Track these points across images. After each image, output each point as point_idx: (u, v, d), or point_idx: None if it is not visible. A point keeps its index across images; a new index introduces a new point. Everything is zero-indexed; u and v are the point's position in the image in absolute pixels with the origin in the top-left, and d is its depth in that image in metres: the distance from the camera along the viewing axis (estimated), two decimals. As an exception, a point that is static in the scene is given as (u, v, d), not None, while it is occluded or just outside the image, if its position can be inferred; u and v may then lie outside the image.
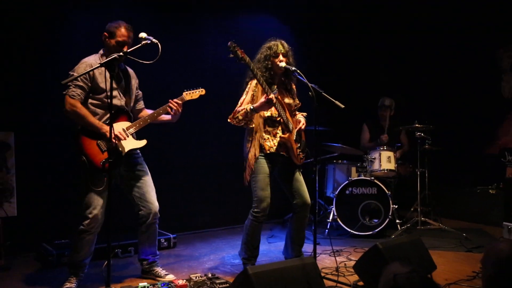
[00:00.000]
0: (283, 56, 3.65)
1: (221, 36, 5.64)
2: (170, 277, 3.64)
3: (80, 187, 3.39)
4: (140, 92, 3.80)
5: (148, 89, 4.52)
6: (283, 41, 3.72)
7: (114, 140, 3.32)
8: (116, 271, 3.86)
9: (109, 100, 3.30)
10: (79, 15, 4.63)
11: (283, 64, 3.61)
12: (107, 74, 3.34)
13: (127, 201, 3.68)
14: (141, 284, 3.27)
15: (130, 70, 3.68)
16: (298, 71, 3.54)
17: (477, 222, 5.96)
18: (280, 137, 3.69)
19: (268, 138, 3.70)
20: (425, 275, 1.83)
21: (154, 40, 3.27)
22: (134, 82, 3.70)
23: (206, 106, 5.41)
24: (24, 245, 4.28)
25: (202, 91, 3.79)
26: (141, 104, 3.82)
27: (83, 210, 3.36)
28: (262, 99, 3.47)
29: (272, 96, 3.44)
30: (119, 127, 3.42)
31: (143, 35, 3.28)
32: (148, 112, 3.77)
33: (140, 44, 3.24)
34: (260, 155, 3.66)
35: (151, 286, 3.28)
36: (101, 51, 3.45)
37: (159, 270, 3.70)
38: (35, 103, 4.41)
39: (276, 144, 3.70)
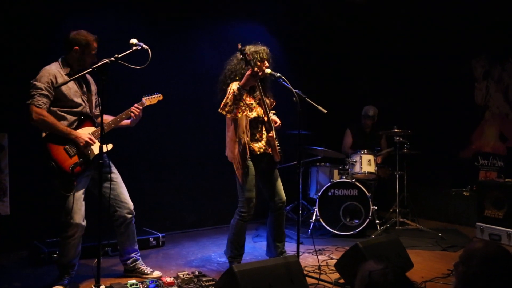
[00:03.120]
0: (268, 62, 3.77)
1: (210, 43, 5.74)
2: (157, 273, 3.68)
3: (56, 194, 3.39)
4: (98, 98, 3.77)
5: (139, 93, 4.61)
6: (266, 48, 3.83)
7: (86, 147, 3.35)
8: (106, 269, 3.90)
9: (74, 109, 3.42)
10: (72, 20, 4.62)
11: (268, 70, 3.69)
12: (71, 83, 3.39)
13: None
14: (130, 282, 3.32)
15: (89, 77, 3.68)
16: (283, 77, 3.59)
17: (452, 223, 6.10)
18: (268, 136, 3.77)
19: (256, 139, 3.78)
20: (398, 270, 1.88)
21: (144, 46, 3.32)
22: (94, 88, 3.71)
23: (193, 108, 5.49)
24: (17, 243, 4.32)
25: (159, 96, 3.85)
26: (97, 110, 3.77)
27: (64, 216, 3.37)
28: (248, 72, 3.52)
29: (256, 69, 3.52)
30: (85, 132, 3.44)
31: (133, 41, 3.33)
32: (108, 116, 3.74)
33: (131, 50, 3.28)
34: (248, 158, 3.73)
35: (140, 283, 3.33)
36: (60, 59, 3.47)
37: (144, 268, 3.73)
38: (29, 106, 4.45)
39: (264, 145, 3.80)
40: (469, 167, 6.23)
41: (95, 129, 3.54)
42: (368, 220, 5.20)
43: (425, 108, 6.66)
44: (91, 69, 3.15)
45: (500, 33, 5.85)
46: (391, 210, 5.76)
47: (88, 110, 3.55)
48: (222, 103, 3.65)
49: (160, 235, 4.83)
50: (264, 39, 4.02)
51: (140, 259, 3.79)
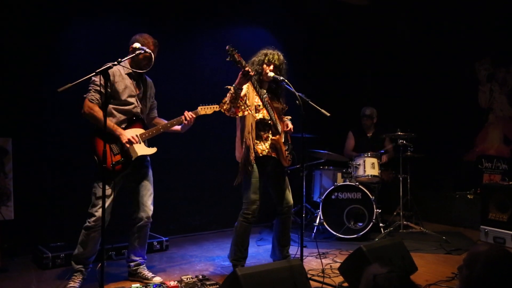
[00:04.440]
0: (275, 67, 3.78)
1: (215, 47, 5.75)
2: (157, 279, 3.67)
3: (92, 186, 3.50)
4: (155, 102, 3.91)
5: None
6: (280, 54, 3.85)
7: (127, 144, 3.46)
8: (110, 272, 3.91)
9: (126, 107, 3.53)
10: (77, 23, 4.69)
11: (271, 74, 3.73)
12: (128, 81, 3.52)
13: (122, 204, 3.72)
14: (134, 286, 3.34)
15: (149, 80, 3.80)
16: (286, 80, 3.62)
17: (456, 226, 6.08)
18: (271, 139, 3.79)
19: (260, 142, 3.79)
20: (404, 274, 1.88)
21: (147, 50, 3.39)
22: (151, 91, 3.81)
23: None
24: (21, 247, 4.31)
25: (216, 107, 3.85)
26: (154, 113, 3.93)
27: (91, 207, 3.47)
28: (239, 74, 3.51)
29: (248, 68, 3.49)
30: (133, 133, 3.53)
31: (137, 45, 3.39)
32: (160, 120, 3.88)
33: (134, 54, 3.35)
34: (253, 160, 3.72)
35: (144, 287, 3.35)
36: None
37: (146, 272, 3.74)
38: (33, 110, 4.46)
39: (267, 147, 3.80)
40: (473, 170, 6.23)
41: (144, 131, 3.63)
42: (371, 223, 5.19)
43: (429, 110, 6.67)
44: (94, 73, 3.16)
45: (504, 35, 5.86)
46: (394, 213, 5.74)
47: (139, 111, 3.64)
48: (223, 101, 3.67)
49: (164, 239, 4.83)
50: (266, 42, 4.03)
51: (144, 265, 3.80)
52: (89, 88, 3.46)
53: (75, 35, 4.71)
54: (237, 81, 3.56)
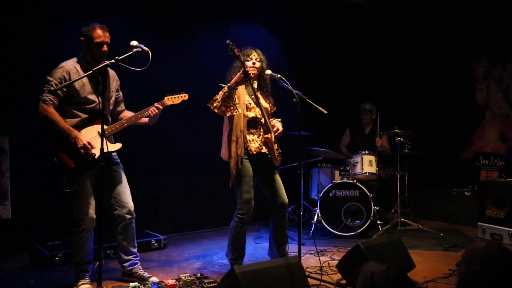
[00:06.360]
0: (258, 61, 3.77)
1: (211, 45, 5.75)
2: (153, 279, 3.60)
3: (60, 190, 3.40)
4: (121, 94, 3.78)
5: (140, 95, 4.64)
6: (256, 49, 3.83)
7: (81, 150, 3.29)
8: (108, 271, 3.90)
9: (87, 106, 3.42)
10: (74, 23, 4.65)
11: (268, 72, 3.72)
12: (84, 79, 3.38)
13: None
14: (132, 284, 3.33)
15: (112, 72, 3.66)
16: (283, 78, 3.61)
17: (454, 223, 6.09)
18: (264, 137, 3.77)
19: (253, 139, 3.77)
20: (401, 271, 1.88)
21: (144, 48, 3.33)
22: (115, 84, 3.69)
23: (195, 110, 5.49)
24: (18, 246, 4.30)
25: (185, 96, 3.78)
26: (122, 106, 3.82)
27: (76, 212, 3.40)
28: (239, 73, 3.51)
29: (248, 68, 3.50)
30: (94, 130, 3.42)
31: (134, 43, 3.33)
32: (128, 113, 3.77)
33: (131, 52, 3.28)
34: (244, 158, 3.71)
35: (142, 286, 3.33)
36: (79, 55, 3.48)
37: (141, 272, 3.66)
38: (30, 108, 4.40)
39: (260, 144, 3.78)
40: (470, 167, 6.25)
41: (107, 127, 3.51)
42: (369, 221, 5.20)
43: (426, 108, 6.68)
44: (91, 71, 3.15)
45: (500, 33, 5.87)
46: (392, 210, 5.74)
47: (100, 107, 3.50)
48: (213, 98, 3.64)
49: (162, 237, 4.82)
50: (264, 40, 4.03)
51: (139, 263, 3.73)
52: (43, 89, 3.33)
53: (73, 35, 4.66)
54: (234, 80, 3.54)
